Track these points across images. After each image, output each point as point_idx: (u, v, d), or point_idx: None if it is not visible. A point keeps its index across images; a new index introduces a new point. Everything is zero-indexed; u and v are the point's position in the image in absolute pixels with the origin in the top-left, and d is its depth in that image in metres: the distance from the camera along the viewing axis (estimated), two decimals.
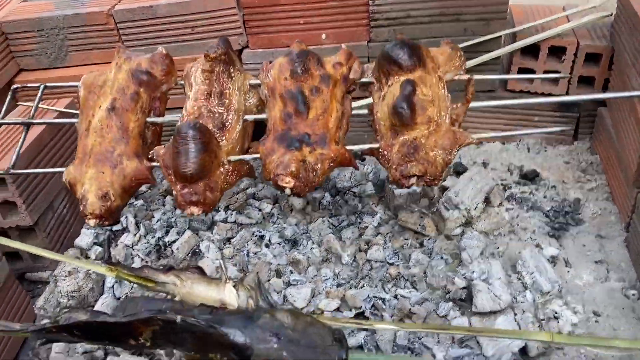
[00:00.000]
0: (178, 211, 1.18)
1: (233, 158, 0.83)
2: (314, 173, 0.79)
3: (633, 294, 0.95)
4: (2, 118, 0.99)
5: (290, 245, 1.09)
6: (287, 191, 0.77)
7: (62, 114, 1.12)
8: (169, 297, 0.79)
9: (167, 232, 1.14)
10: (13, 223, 1.03)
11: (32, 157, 1.04)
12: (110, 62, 1.18)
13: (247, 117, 0.86)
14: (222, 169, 0.82)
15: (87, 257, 1.13)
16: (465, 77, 0.85)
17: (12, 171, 0.92)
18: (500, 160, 1.25)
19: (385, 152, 0.80)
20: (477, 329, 0.87)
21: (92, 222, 0.81)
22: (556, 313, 0.90)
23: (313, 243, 1.08)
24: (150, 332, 0.65)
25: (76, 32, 1.26)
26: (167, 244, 1.12)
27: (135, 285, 0.98)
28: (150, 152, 0.85)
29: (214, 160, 0.80)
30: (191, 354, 0.66)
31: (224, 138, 0.83)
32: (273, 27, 1.21)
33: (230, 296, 0.76)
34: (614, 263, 1.01)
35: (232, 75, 0.87)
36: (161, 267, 0.82)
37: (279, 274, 1.03)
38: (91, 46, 1.28)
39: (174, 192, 0.81)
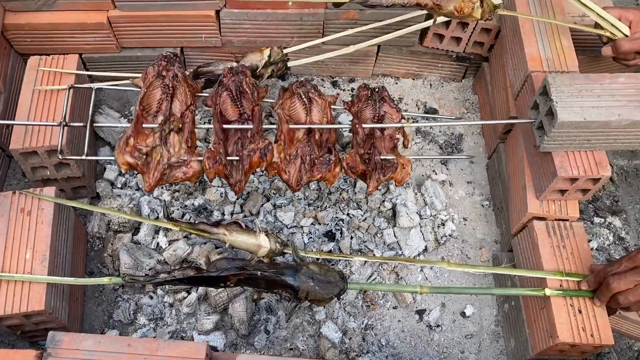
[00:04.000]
0: None
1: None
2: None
3: (486, 204, 1.56)
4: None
5: None
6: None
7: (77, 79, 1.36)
8: (221, 242, 1.24)
9: None
10: (65, 175, 1.34)
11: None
12: (96, 10, 1.42)
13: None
14: None
15: (112, 186, 1.48)
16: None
17: (87, 158, 1.21)
18: (411, 96, 1.71)
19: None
20: (395, 258, 1.45)
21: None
22: (443, 222, 1.50)
23: None
24: (236, 279, 1.12)
25: None
26: None
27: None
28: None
29: None
30: (261, 290, 1.15)
31: None
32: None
33: (264, 241, 1.23)
34: (478, 182, 1.60)
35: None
36: (211, 222, 1.24)
37: (267, 198, 1.49)
38: None
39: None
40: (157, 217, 1.41)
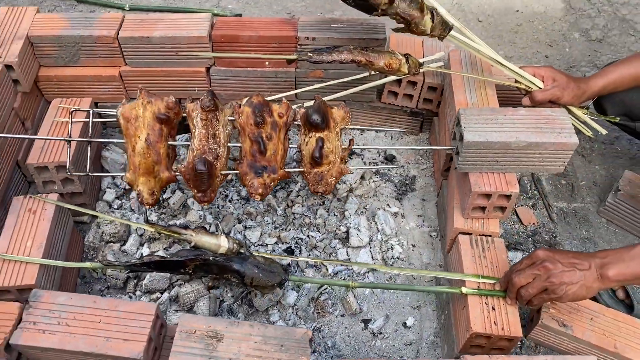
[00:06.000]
0: None
1: (223, 172, 1.47)
2: (270, 188, 1.47)
3: (434, 234, 1.76)
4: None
5: (244, 201, 1.78)
6: (257, 198, 1.46)
7: (89, 114, 1.68)
8: (187, 243, 1.47)
9: (163, 192, 1.78)
10: (70, 190, 1.62)
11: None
12: (110, 66, 1.75)
13: (229, 144, 1.50)
14: (217, 180, 1.46)
15: (110, 207, 1.75)
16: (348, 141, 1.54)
17: (90, 174, 1.51)
18: (373, 145, 1.98)
19: (307, 175, 1.50)
20: (338, 261, 1.64)
21: (148, 206, 1.44)
22: (392, 246, 1.70)
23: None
24: (193, 265, 1.33)
25: (88, 46, 1.75)
26: (164, 199, 1.77)
27: (151, 233, 1.64)
28: (175, 168, 1.47)
29: (215, 179, 1.45)
30: (214, 276, 1.36)
31: (218, 164, 1.46)
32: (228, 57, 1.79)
33: (224, 242, 1.45)
34: (428, 216, 1.81)
35: (218, 117, 1.49)
36: (181, 225, 1.49)
37: (239, 221, 1.73)
38: (98, 55, 1.78)
39: (193, 194, 1.46)
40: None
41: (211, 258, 1.32)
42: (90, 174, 1.53)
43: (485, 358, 1.18)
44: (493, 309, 1.34)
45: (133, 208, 1.74)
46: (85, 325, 1.16)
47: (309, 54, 1.49)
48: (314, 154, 1.47)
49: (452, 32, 1.52)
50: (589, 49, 2.44)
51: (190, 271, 1.35)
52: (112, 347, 1.13)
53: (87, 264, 1.38)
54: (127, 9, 2.38)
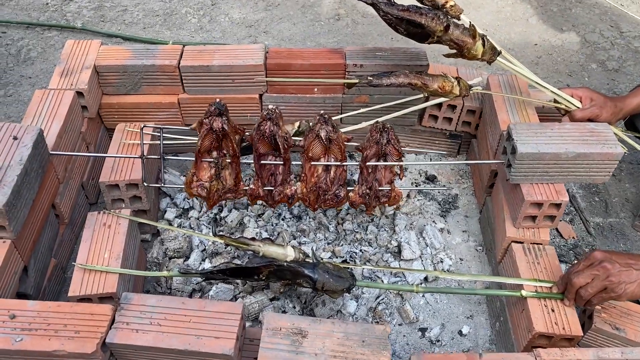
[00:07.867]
0: None
1: None
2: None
3: (480, 248, 1.84)
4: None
5: (297, 219, 1.86)
6: None
7: (152, 137, 1.79)
8: (256, 252, 1.54)
9: (220, 210, 1.86)
10: (137, 207, 1.70)
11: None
12: (169, 94, 1.86)
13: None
14: None
15: (170, 224, 1.83)
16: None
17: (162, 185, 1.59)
18: (415, 167, 2.08)
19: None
20: (400, 268, 1.72)
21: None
22: (441, 259, 1.77)
23: (310, 218, 1.86)
24: (267, 272, 1.41)
25: (150, 74, 1.87)
26: (221, 218, 1.85)
27: (211, 244, 1.71)
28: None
29: None
30: (286, 282, 1.43)
31: None
32: (284, 82, 1.91)
33: (290, 252, 1.52)
34: (472, 232, 1.89)
35: None
36: (249, 238, 1.56)
37: (294, 237, 1.80)
38: (159, 83, 1.90)
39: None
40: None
41: (285, 264, 1.39)
42: (162, 185, 1.62)
43: (557, 351, 1.24)
44: (552, 310, 1.41)
45: (192, 226, 1.82)
46: (176, 324, 1.22)
47: (369, 77, 1.61)
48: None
49: (498, 57, 1.64)
50: (607, 78, 2.58)
51: (264, 277, 1.42)
52: (204, 344, 1.19)
53: (165, 273, 1.45)
54: (171, 44, 2.52)
